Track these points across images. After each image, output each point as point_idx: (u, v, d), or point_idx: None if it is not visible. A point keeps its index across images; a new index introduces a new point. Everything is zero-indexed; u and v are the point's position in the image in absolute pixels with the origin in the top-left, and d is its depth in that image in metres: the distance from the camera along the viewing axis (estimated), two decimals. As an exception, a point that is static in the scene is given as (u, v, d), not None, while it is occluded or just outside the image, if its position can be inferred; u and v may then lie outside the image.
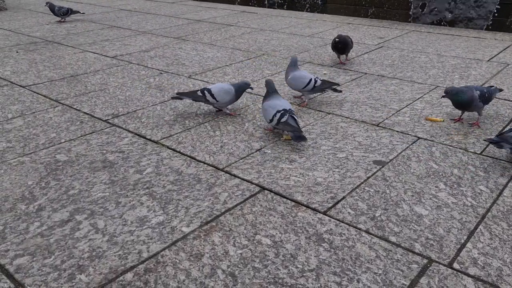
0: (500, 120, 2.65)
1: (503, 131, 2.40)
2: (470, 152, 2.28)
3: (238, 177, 2.06)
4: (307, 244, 1.61)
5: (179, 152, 2.33)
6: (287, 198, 1.89)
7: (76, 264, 1.53)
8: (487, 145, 2.34)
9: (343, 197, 1.89)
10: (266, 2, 7.12)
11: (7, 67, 3.92)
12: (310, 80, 2.82)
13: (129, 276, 1.48)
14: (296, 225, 1.71)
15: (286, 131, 2.38)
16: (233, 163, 2.19)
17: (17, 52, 4.43)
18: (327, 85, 2.89)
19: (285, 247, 1.60)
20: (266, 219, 1.75)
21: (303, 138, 2.28)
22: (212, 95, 2.67)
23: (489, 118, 2.68)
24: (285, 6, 6.99)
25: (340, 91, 2.95)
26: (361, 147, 2.34)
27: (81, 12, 6.28)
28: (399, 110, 2.81)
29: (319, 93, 3.06)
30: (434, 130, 2.52)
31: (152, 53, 4.35)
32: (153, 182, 2.03)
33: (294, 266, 1.51)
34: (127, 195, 1.94)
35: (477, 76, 3.48)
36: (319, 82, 2.85)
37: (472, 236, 1.64)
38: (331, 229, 1.69)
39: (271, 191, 1.95)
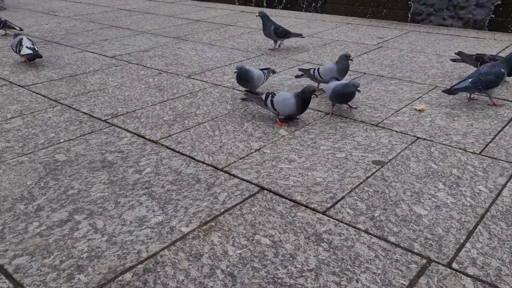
0: (499, 120, 2.65)
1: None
2: (469, 152, 2.28)
3: (237, 177, 2.06)
4: (306, 244, 1.61)
5: (178, 152, 2.32)
6: (286, 198, 1.89)
7: (75, 264, 1.53)
8: (486, 145, 2.34)
9: (342, 197, 1.89)
10: (264, 3, 7.12)
11: (6, 66, 3.92)
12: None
13: (128, 276, 1.48)
14: (295, 225, 1.71)
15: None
16: (232, 163, 2.19)
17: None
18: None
19: (284, 247, 1.60)
20: (265, 219, 1.75)
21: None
22: (319, 73, 3.13)
23: (488, 118, 2.68)
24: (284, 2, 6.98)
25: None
26: (360, 147, 2.34)
27: (17, 28, 5.04)
28: (398, 110, 2.82)
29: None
30: (433, 130, 2.52)
31: (151, 53, 4.34)
32: (152, 182, 2.03)
33: (293, 266, 1.51)
34: (126, 195, 1.94)
35: (476, 76, 3.48)
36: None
37: (471, 236, 1.64)
38: (330, 229, 1.69)
39: (270, 191, 1.95)
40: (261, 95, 2.68)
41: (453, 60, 3.52)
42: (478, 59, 3.28)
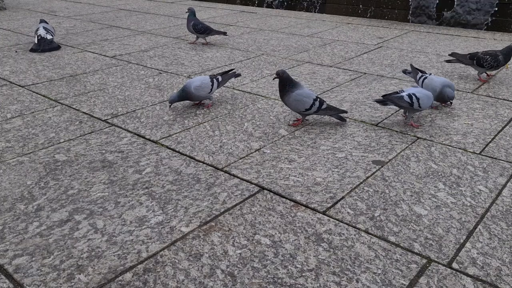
0: (499, 120, 2.65)
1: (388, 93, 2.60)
2: (469, 152, 2.28)
3: (237, 177, 2.06)
4: (306, 244, 1.61)
5: (178, 152, 2.32)
6: (286, 198, 1.89)
7: (75, 264, 1.53)
8: (486, 145, 2.34)
9: (342, 197, 1.89)
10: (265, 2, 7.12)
11: (6, 66, 3.92)
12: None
13: (128, 276, 1.48)
14: (295, 225, 1.71)
15: (328, 116, 2.64)
16: (232, 163, 2.19)
17: (16, 52, 4.42)
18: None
19: (284, 247, 1.60)
20: (265, 219, 1.75)
21: (344, 119, 2.64)
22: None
23: (488, 118, 2.68)
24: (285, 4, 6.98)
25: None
26: (360, 147, 2.34)
27: None
28: (398, 110, 2.81)
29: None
30: (433, 130, 2.52)
31: (151, 53, 4.34)
32: (152, 182, 2.03)
33: (293, 266, 1.51)
34: (126, 195, 1.94)
35: (476, 76, 3.49)
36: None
37: (471, 236, 1.64)
38: (330, 229, 1.69)
39: (270, 191, 1.95)
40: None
41: (448, 61, 3.49)
42: (473, 57, 3.29)
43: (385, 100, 2.54)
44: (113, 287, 1.43)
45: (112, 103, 3.02)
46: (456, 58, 3.42)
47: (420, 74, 2.90)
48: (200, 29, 4.50)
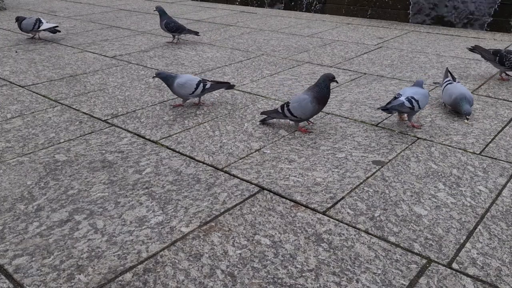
0: (499, 120, 2.65)
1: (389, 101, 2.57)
2: (469, 152, 2.28)
3: (238, 177, 2.06)
4: (306, 244, 1.61)
5: (179, 152, 2.33)
6: (286, 198, 1.89)
7: (75, 264, 1.53)
8: (486, 145, 2.34)
9: (342, 197, 1.89)
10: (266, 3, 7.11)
11: (6, 67, 3.92)
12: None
13: (128, 276, 1.48)
14: (295, 225, 1.71)
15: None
16: (232, 163, 2.20)
17: (16, 52, 4.43)
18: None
19: (284, 247, 1.60)
20: (265, 219, 1.75)
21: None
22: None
23: (488, 118, 2.68)
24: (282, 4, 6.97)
25: None
26: (360, 147, 2.34)
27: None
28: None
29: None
30: (433, 130, 2.52)
31: (151, 53, 4.35)
32: (152, 182, 2.03)
33: (293, 266, 1.51)
34: (126, 195, 1.94)
35: (476, 77, 3.49)
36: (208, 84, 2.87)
37: (471, 236, 1.64)
38: (330, 229, 1.69)
39: (270, 191, 1.95)
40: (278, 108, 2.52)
41: (471, 50, 3.46)
42: (496, 54, 3.26)
43: (388, 109, 2.52)
44: (113, 287, 1.43)
45: (112, 103, 3.02)
46: (479, 51, 3.40)
47: (447, 78, 2.88)
48: (172, 28, 4.56)
